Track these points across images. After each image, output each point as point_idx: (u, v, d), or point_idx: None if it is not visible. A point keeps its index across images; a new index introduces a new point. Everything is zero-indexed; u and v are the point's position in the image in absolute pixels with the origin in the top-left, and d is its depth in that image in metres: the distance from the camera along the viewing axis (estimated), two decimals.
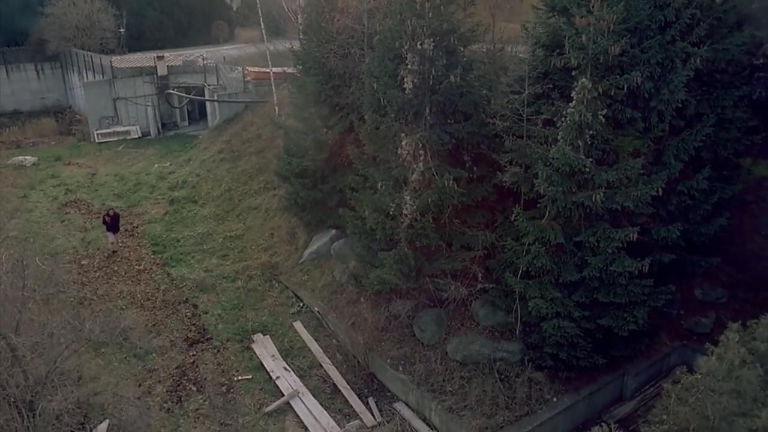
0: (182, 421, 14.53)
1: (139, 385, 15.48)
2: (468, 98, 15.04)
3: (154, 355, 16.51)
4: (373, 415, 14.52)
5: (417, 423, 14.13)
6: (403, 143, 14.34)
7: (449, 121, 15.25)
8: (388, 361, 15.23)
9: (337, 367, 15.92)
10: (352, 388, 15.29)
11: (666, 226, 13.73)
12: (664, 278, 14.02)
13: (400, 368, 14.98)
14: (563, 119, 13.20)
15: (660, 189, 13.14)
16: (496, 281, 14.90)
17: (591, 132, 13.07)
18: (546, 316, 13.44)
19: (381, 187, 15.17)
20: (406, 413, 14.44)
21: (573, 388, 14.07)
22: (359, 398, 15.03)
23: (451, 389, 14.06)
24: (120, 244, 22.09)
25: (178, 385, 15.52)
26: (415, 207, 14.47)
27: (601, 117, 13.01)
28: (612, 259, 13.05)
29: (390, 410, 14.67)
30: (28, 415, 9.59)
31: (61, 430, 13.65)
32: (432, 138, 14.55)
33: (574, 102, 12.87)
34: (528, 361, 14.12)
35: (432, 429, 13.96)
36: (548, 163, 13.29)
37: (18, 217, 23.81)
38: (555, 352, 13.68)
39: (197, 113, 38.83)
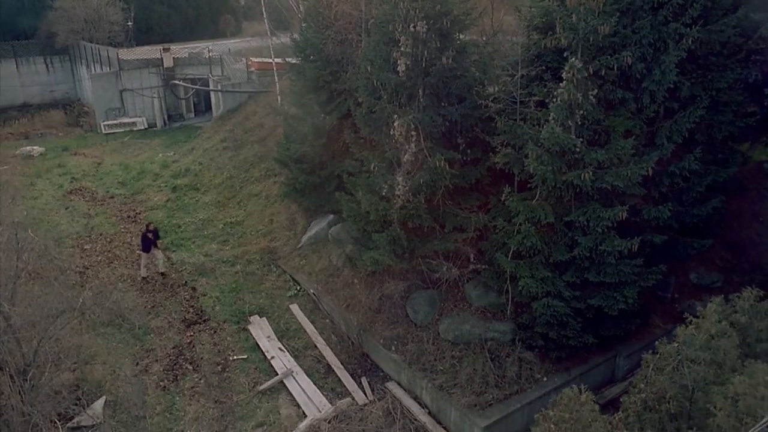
0: (177, 398, 14.75)
1: (137, 364, 15.73)
2: (461, 81, 15.14)
3: (152, 335, 16.75)
4: (365, 394, 14.67)
5: (408, 401, 14.26)
6: (395, 124, 14.44)
7: (443, 104, 15.34)
8: (381, 341, 15.36)
9: (331, 348, 16.09)
10: (345, 368, 15.45)
11: (657, 206, 13.74)
12: (656, 259, 14.05)
13: (393, 348, 15.11)
14: (554, 100, 13.26)
15: (651, 169, 13.18)
16: (489, 262, 14.99)
17: (582, 112, 13.11)
18: (536, 295, 13.52)
19: (374, 168, 15.31)
20: (398, 392, 14.58)
21: (564, 368, 14.14)
22: (352, 378, 15.18)
23: (442, 368, 14.17)
24: (164, 262, 19.87)
25: (175, 365, 15.75)
26: (407, 188, 14.58)
27: (591, 97, 13.05)
28: (602, 239, 13.10)
29: (382, 389, 14.81)
30: (21, 384, 9.81)
31: (58, 404, 14.01)
32: (425, 120, 14.64)
33: (564, 82, 12.93)
34: (519, 341, 14.21)
35: (423, 407, 14.08)
36: (539, 144, 13.37)
37: (23, 204, 24.14)
38: (545, 331, 13.76)
39: (203, 105, 39.14)
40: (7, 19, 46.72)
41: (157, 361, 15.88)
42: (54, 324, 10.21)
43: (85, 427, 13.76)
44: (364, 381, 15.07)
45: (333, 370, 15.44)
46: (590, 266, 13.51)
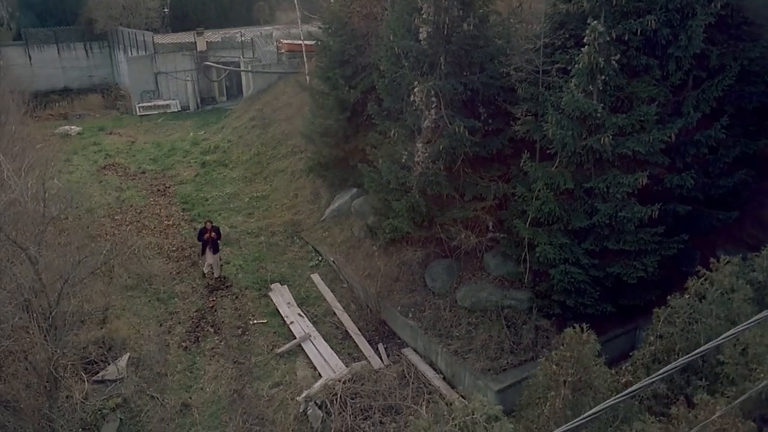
0: (198, 358, 15.10)
1: (160, 325, 16.15)
2: (484, 50, 15.08)
3: (176, 299, 17.17)
4: (381, 359, 14.78)
5: (423, 367, 14.32)
6: (415, 90, 14.47)
7: (465, 72, 15.29)
8: (399, 308, 15.45)
9: (349, 315, 16.24)
10: (362, 334, 15.59)
11: (680, 174, 13.47)
12: (679, 229, 13.78)
13: (410, 315, 15.18)
14: (576, 65, 13.11)
15: (674, 136, 12.95)
16: (508, 231, 14.91)
17: (603, 77, 12.93)
18: (554, 262, 13.41)
19: (394, 134, 15.37)
20: (414, 358, 14.64)
21: None
22: (369, 344, 15.30)
23: (458, 334, 14.19)
24: (220, 263, 18.26)
25: (197, 327, 16.11)
26: (427, 155, 14.61)
27: (614, 62, 12.86)
28: (622, 206, 12.92)
29: (398, 355, 14.90)
30: (46, 327, 10.20)
31: (84, 359, 14.53)
32: (446, 87, 14.63)
33: (586, 47, 12.78)
34: (536, 309, 14.12)
35: (438, 372, 14.13)
36: (559, 109, 13.25)
37: (59, 178, 24.90)
38: (563, 299, 13.64)
39: (235, 89, 39.69)
40: (50, 5, 48.13)
41: (180, 323, 16.28)
42: (77, 268, 10.58)
43: (109, 380, 14.22)
44: (381, 347, 15.18)
45: (350, 336, 15.59)
46: (610, 234, 13.34)
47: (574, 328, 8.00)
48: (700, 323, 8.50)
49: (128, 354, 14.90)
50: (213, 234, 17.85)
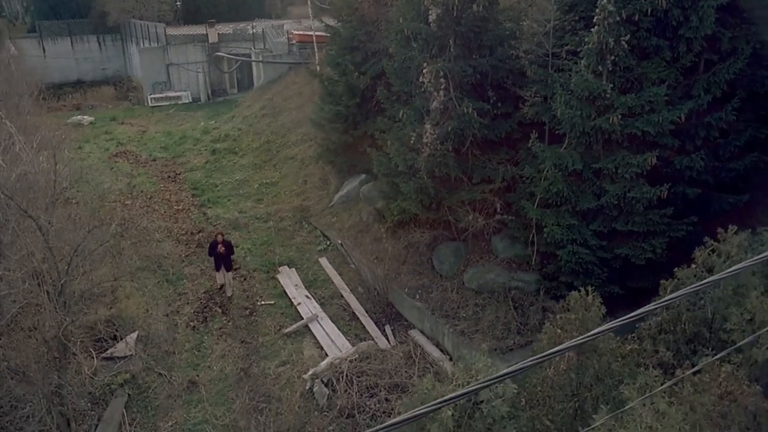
0: (206, 337, 15.20)
1: (169, 305, 16.28)
2: (493, 33, 15.08)
3: (184, 280, 17.29)
4: (388, 340, 14.81)
5: (430, 348, 14.32)
6: (424, 71, 14.48)
7: (474, 55, 15.30)
8: (406, 290, 15.47)
9: (357, 298, 16.28)
10: (369, 316, 15.62)
11: (690, 156, 13.38)
12: (688, 213, 13.69)
13: (417, 297, 15.20)
14: (586, 45, 13.07)
15: (683, 116, 12.87)
16: (516, 214, 14.90)
17: (613, 58, 12.87)
18: (561, 243, 13.38)
19: (402, 115, 15.39)
20: (420, 339, 14.66)
21: None
22: (376, 325, 15.34)
23: (464, 315, 14.20)
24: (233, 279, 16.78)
25: (205, 308, 16.22)
26: (435, 136, 14.61)
27: (623, 43, 12.80)
28: (630, 186, 12.86)
29: (405, 336, 14.92)
30: (57, 296, 10.32)
31: (93, 336, 14.68)
32: (455, 69, 14.63)
33: (595, 26, 12.73)
34: (543, 291, 14.09)
35: (444, 353, 14.13)
36: (568, 90, 13.22)
37: (71, 165, 25.13)
38: (570, 281, 13.58)
39: (246, 81, 39.83)
40: None
41: (188, 303, 16.40)
42: (87, 238, 10.68)
43: (117, 357, 14.34)
44: (388, 328, 15.21)
45: (357, 318, 15.63)
46: (618, 215, 13.28)
47: (579, 291, 7.99)
48: (707, 294, 8.46)
49: (137, 332, 15.02)
50: (223, 249, 16.04)
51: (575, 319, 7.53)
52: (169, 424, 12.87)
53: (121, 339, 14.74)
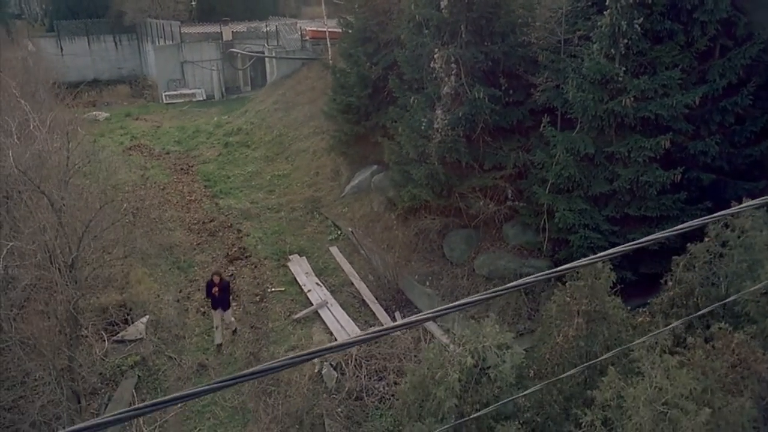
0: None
1: (180, 291, 16.33)
2: (505, 20, 15.03)
3: (195, 268, 17.37)
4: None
5: (439, 334, 14.23)
6: (435, 57, 14.46)
7: (486, 42, 15.26)
8: (416, 277, 15.41)
9: (367, 286, 16.24)
10: (379, 303, 15.57)
11: (704, 140, 13.23)
12: (702, 198, 13.53)
13: (427, 284, 15.15)
14: (599, 29, 12.99)
15: (697, 100, 12.73)
16: (527, 200, 14.81)
17: (626, 41, 12.79)
18: (573, 228, 13.26)
19: (413, 102, 15.36)
20: (430, 325, 14.57)
21: None
22: (386, 312, 15.28)
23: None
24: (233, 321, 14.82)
25: (222, 269, 16.25)
26: (446, 122, 14.57)
27: (637, 26, 12.71)
28: (643, 170, 12.74)
29: (416, 326, 14.82)
30: (68, 270, 10.40)
31: (105, 320, 14.77)
32: (466, 55, 14.60)
33: (608, 9, 12.65)
34: (554, 277, 13.94)
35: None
36: (580, 74, 13.13)
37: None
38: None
39: (260, 78, 40.01)
40: None
41: (199, 290, 16.42)
42: (99, 214, 10.76)
43: (128, 340, 14.40)
44: (398, 315, 15.15)
45: (367, 305, 15.58)
46: (631, 200, 13.16)
47: (588, 248, 7.90)
48: (721, 270, 8.33)
49: (148, 316, 15.08)
50: (217, 291, 14.05)
51: (584, 286, 7.44)
52: (178, 405, 12.88)
53: (132, 323, 14.80)
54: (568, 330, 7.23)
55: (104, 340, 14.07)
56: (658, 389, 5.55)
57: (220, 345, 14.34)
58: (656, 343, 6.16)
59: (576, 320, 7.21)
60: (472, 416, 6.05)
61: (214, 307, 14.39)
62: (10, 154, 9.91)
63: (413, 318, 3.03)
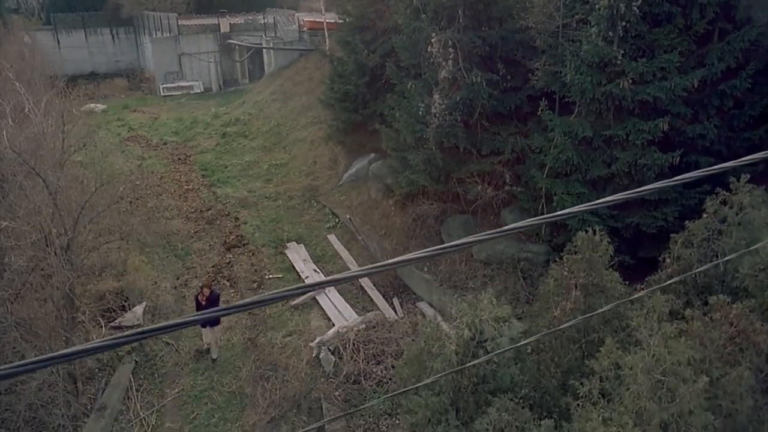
0: None
1: (177, 279, 16.28)
2: (502, 4, 14.97)
3: (193, 255, 17.33)
4: (395, 312, 14.71)
5: (437, 319, 14.20)
6: (432, 41, 14.39)
7: (483, 27, 15.20)
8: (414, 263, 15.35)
9: None
10: (377, 289, 15.53)
11: (702, 123, 13.18)
12: (701, 181, 13.46)
13: (425, 269, 15.10)
14: (596, 11, 12.91)
15: (696, 82, 12.67)
16: (525, 185, 14.76)
17: (624, 24, 12.71)
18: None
19: (411, 87, 15.29)
20: (428, 311, 14.54)
21: None
22: (384, 298, 15.25)
23: (473, 286, 14.08)
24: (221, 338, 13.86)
25: (213, 281, 16.17)
26: (444, 106, 14.51)
27: (635, 8, 12.63)
28: (642, 153, 12.69)
29: (413, 308, 14.82)
30: (64, 251, 10.34)
31: (102, 307, 14.72)
32: (464, 40, 14.53)
33: None
34: (552, 262, 13.87)
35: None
36: (578, 58, 13.06)
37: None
38: None
39: (257, 71, 39.89)
40: None
41: (196, 277, 16.41)
42: (94, 196, 10.71)
43: (125, 326, 14.35)
44: (395, 300, 15.12)
45: (365, 291, 15.54)
46: (629, 184, 13.10)
47: (586, 231, 7.86)
48: (719, 247, 8.29)
49: (145, 303, 15.04)
50: (205, 302, 12.91)
51: (582, 259, 7.40)
52: (176, 390, 12.87)
53: (130, 309, 14.76)
54: (565, 304, 7.20)
55: (101, 326, 14.03)
56: (656, 358, 5.51)
57: (215, 360, 13.38)
58: (653, 309, 6.12)
59: (573, 293, 7.18)
60: (468, 389, 6.02)
61: (203, 325, 12.93)
62: (5, 136, 9.86)
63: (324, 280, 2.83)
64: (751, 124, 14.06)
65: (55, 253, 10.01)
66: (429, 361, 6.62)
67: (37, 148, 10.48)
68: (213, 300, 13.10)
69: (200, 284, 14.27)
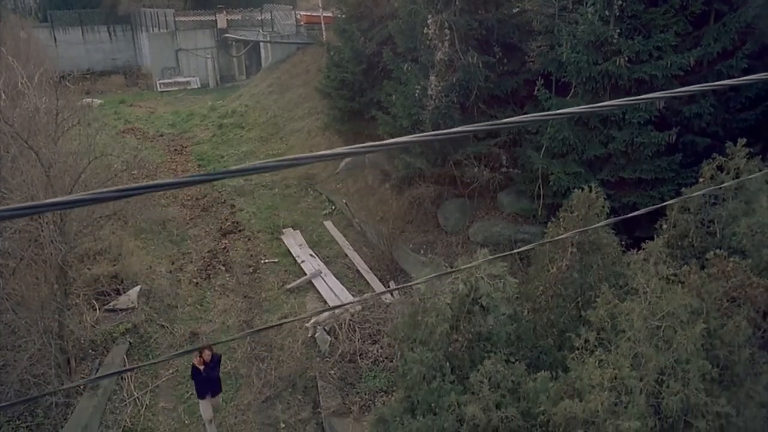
0: (208, 293, 15.10)
1: (172, 263, 16.19)
2: None
3: (188, 241, 17.24)
4: (391, 295, 14.62)
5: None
6: (428, 22, 14.36)
7: (480, 11, 15.18)
8: (411, 246, 15.31)
9: (361, 257, 16.13)
10: (374, 273, 15.46)
11: (698, 102, 13.15)
12: (697, 161, 13.43)
13: (422, 252, 15.03)
14: None
15: (692, 61, 12.66)
16: (522, 167, 14.73)
17: (620, 3, 12.70)
18: (568, 191, 13.13)
19: (407, 69, 15.26)
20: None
21: None
22: (380, 282, 15.18)
23: None
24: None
25: (208, 266, 16.13)
26: (440, 88, 14.47)
27: None
28: (638, 132, 12.66)
29: (409, 290, 14.73)
30: (57, 224, 10.26)
31: (96, 290, 14.63)
32: (460, 22, 14.50)
33: None
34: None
35: None
36: (575, 37, 13.05)
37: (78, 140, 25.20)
38: None
39: (254, 67, 39.89)
40: None
41: (191, 262, 16.32)
42: (86, 168, 10.63)
43: (120, 309, 14.25)
44: (392, 284, 15.06)
45: (362, 275, 15.49)
46: (626, 164, 13.08)
47: (582, 190, 7.81)
48: (716, 212, 8.24)
49: (140, 286, 14.93)
50: (203, 369, 10.33)
51: (578, 217, 7.35)
52: (170, 371, 12.77)
53: (124, 293, 14.66)
54: (561, 262, 7.14)
55: (95, 309, 13.95)
56: (653, 305, 5.45)
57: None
58: (650, 254, 6.08)
59: (570, 250, 7.13)
60: (464, 345, 5.95)
61: (202, 395, 10.61)
62: None
63: None
64: (747, 106, 14.04)
65: (47, 224, 9.92)
66: (424, 316, 6.56)
67: (30, 122, 10.41)
68: (214, 365, 10.54)
69: (201, 346, 11.46)
